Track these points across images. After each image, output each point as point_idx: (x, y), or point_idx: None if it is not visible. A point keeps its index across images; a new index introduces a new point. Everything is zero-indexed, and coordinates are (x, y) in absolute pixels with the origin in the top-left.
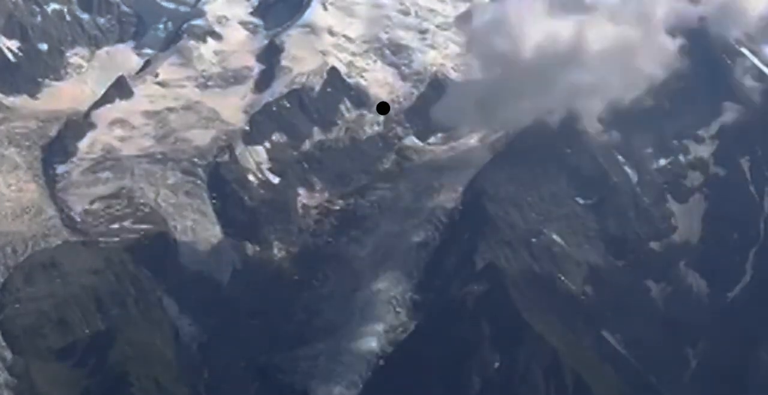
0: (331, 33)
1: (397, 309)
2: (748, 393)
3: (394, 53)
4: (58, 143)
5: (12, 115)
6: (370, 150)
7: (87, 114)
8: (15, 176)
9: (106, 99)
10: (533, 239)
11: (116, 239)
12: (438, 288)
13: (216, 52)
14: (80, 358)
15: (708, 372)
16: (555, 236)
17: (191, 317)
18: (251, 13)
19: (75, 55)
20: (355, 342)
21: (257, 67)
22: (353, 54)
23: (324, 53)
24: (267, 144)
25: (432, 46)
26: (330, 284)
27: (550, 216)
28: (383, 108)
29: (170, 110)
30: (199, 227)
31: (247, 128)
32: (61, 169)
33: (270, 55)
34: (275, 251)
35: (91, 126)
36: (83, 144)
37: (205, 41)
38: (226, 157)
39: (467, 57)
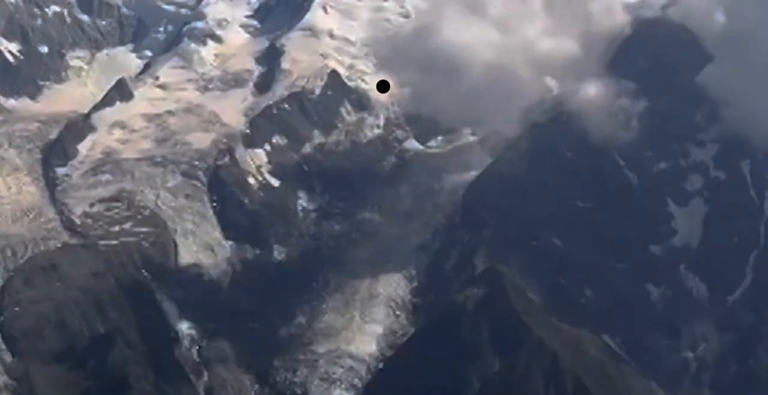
0: (332, 36)
1: (397, 312)
2: None
3: None
4: (59, 145)
5: (12, 117)
6: (370, 153)
7: (87, 116)
8: (15, 178)
9: (106, 102)
10: (533, 243)
11: (116, 241)
12: (438, 291)
13: (216, 55)
14: (80, 361)
15: (708, 376)
16: (555, 240)
17: (191, 320)
18: (251, 16)
19: (75, 58)
20: (355, 345)
21: (257, 70)
22: (354, 57)
23: (324, 56)
24: (267, 147)
25: None
26: (330, 288)
27: (550, 219)
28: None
29: (170, 112)
30: (199, 230)
31: (248, 130)
32: (61, 171)
33: (270, 57)
34: (275, 254)
35: (92, 129)
36: (83, 147)
37: (205, 44)
38: (227, 160)
39: None
